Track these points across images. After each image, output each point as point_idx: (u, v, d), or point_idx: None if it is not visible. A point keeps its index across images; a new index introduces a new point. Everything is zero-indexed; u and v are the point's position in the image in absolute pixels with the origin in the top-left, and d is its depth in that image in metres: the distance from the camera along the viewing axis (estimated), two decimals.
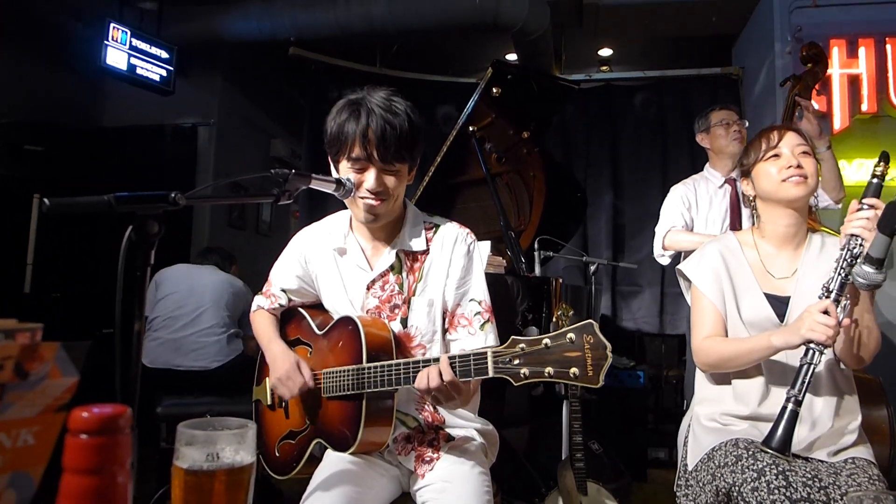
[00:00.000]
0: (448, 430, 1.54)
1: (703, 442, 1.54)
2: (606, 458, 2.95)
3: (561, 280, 2.69)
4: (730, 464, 1.39)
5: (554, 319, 2.23)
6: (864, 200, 1.43)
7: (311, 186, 1.35)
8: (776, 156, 1.61)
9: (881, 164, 1.44)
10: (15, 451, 0.46)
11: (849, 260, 1.41)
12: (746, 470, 1.35)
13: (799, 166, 1.57)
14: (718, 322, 1.59)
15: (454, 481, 1.41)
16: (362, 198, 1.44)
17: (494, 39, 4.84)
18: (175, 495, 0.75)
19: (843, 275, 1.41)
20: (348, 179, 1.43)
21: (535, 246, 3.15)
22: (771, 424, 1.40)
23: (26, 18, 4.64)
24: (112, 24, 4.28)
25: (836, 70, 3.68)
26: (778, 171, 1.59)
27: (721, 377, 1.61)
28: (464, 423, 1.57)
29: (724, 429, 1.54)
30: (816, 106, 2.44)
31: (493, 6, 4.09)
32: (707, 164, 2.95)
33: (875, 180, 1.44)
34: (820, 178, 1.97)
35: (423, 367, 1.30)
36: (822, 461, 1.44)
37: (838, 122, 3.66)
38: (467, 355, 1.22)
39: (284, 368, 1.51)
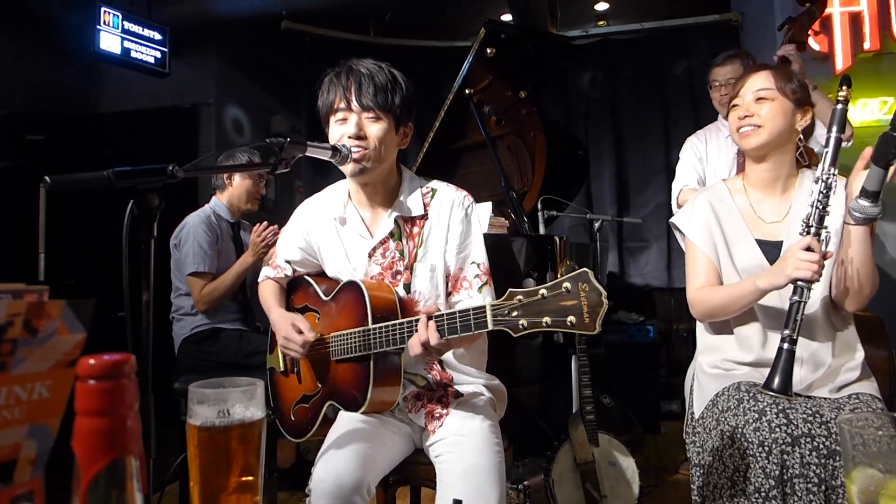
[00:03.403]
0: (456, 386, 1.58)
1: (707, 388, 1.57)
2: (617, 412, 3.00)
3: (565, 238, 2.70)
4: (732, 407, 1.42)
5: (558, 275, 2.25)
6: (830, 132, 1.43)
7: (307, 154, 1.37)
8: (735, 105, 1.60)
9: (843, 88, 1.43)
10: (31, 404, 0.49)
11: (825, 192, 1.41)
12: (748, 411, 1.37)
13: (749, 115, 1.55)
14: (711, 272, 1.60)
15: (465, 434, 1.45)
16: (350, 150, 1.45)
17: (488, 1, 4.76)
18: (190, 452, 0.79)
19: (820, 208, 1.41)
20: (343, 145, 1.45)
21: (539, 206, 3.16)
22: None
23: (19, 9, 4.62)
24: (103, 9, 4.25)
25: (837, 9, 3.61)
26: (734, 122, 1.59)
27: (721, 326, 1.62)
28: (471, 380, 1.61)
29: (726, 374, 1.56)
30: (789, 49, 2.42)
31: None
32: (719, 114, 2.93)
33: (839, 106, 1.43)
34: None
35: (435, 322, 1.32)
36: (824, 398, 1.46)
37: (840, 62, 3.59)
38: (467, 310, 1.25)
39: (283, 332, 1.55)
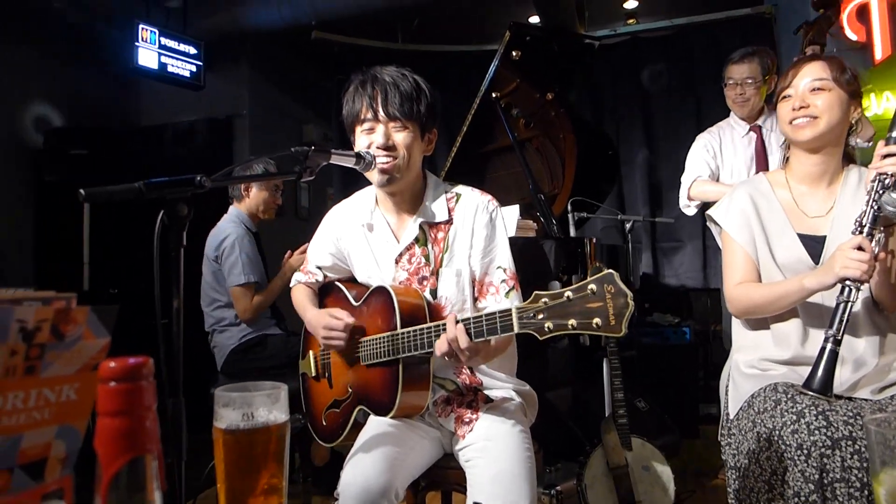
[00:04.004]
0: (486, 391, 1.58)
1: (742, 389, 1.53)
2: (652, 415, 2.95)
3: (595, 240, 2.68)
4: (769, 408, 1.38)
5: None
6: (892, 134, 1.38)
7: (331, 162, 1.40)
8: (787, 96, 1.56)
9: None
10: (60, 406, 0.51)
11: (880, 192, 1.37)
12: (786, 413, 1.33)
13: (804, 106, 1.50)
14: (750, 267, 1.57)
15: (495, 440, 1.44)
16: (375, 158, 1.47)
17: (515, 3, 4.76)
18: (217, 455, 0.81)
19: (875, 208, 1.37)
20: (367, 152, 1.47)
21: (569, 208, 3.14)
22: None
23: (61, 28, 4.81)
24: (141, 25, 4.39)
25: None
26: (786, 113, 1.55)
27: (758, 323, 1.59)
28: (501, 385, 1.61)
29: (763, 374, 1.52)
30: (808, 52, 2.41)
31: None
32: (731, 112, 2.88)
33: None
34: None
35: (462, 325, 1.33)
36: (866, 400, 1.42)
37: (879, 51, 3.48)
38: (493, 313, 1.25)
39: (322, 324, 1.57)
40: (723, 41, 4.52)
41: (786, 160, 1.66)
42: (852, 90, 1.53)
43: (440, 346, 1.32)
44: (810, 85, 1.53)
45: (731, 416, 1.54)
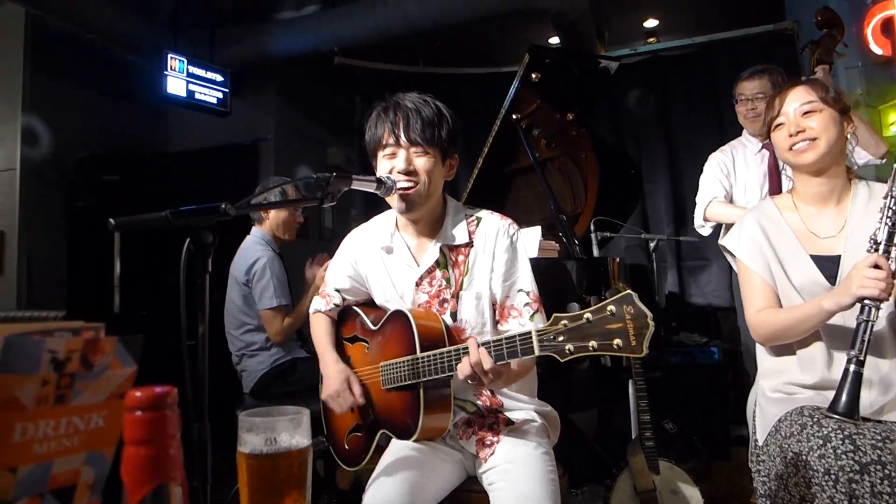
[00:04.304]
0: (507, 413, 1.57)
1: (769, 414, 1.51)
2: (680, 437, 2.90)
3: (618, 260, 2.66)
4: (795, 433, 1.36)
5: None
6: None
7: (352, 187, 1.42)
8: (780, 124, 1.57)
9: None
10: (88, 433, 0.53)
11: (893, 208, 1.35)
12: (812, 437, 1.31)
13: (801, 130, 1.51)
14: (769, 293, 1.55)
15: (517, 462, 1.44)
16: (396, 183, 1.49)
17: (534, 25, 4.81)
18: (241, 479, 0.82)
19: (890, 223, 1.35)
20: (388, 177, 1.49)
21: (592, 227, 3.13)
22: None
23: (94, 59, 4.99)
24: (169, 55, 4.53)
25: None
26: (783, 140, 1.55)
27: (783, 347, 1.56)
28: (522, 406, 1.60)
29: (789, 398, 1.49)
30: (820, 75, 2.41)
31: None
32: (744, 130, 2.87)
33: None
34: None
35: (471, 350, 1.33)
36: (895, 423, 1.38)
37: None
38: (513, 336, 1.25)
39: (335, 387, 1.60)
40: (744, 58, 4.49)
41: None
42: (841, 107, 1.54)
43: (463, 369, 1.32)
44: (800, 109, 1.54)
45: (760, 443, 1.51)
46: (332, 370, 1.66)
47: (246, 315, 2.79)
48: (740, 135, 2.94)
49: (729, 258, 1.72)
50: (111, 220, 1.05)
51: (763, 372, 1.62)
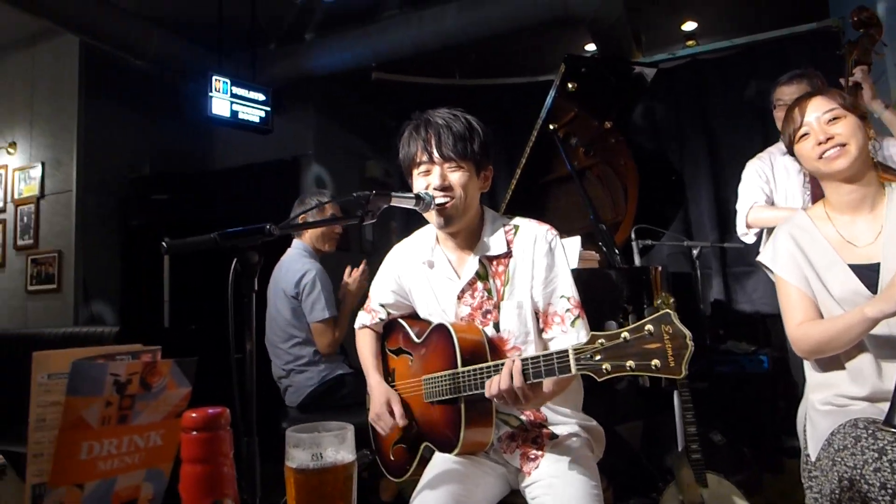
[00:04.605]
0: (551, 427, 1.57)
1: (820, 427, 1.46)
2: (729, 449, 2.83)
3: (660, 268, 2.63)
4: (849, 446, 1.32)
5: (655, 308, 2.20)
6: None
7: (392, 204, 1.45)
8: (805, 134, 1.54)
9: None
10: (148, 451, 0.56)
11: None
12: (866, 451, 1.27)
13: (830, 137, 1.48)
14: (809, 306, 1.51)
15: (561, 477, 1.43)
16: (434, 198, 1.51)
17: (570, 33, 4.80)
18: (289, 493, 0.85)
19: None
20: (426, 193, 1.51)
21: (633, 236, 3.09)
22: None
23: (143, 83, 5.21)
24: (214, 77, 4.69)
25: None
26: (811, 150, 1.52)
27: (830, 360, 1.52)
28: (566, 420, 1.59)
29: (840, 410, 1.45)
30: (859, 76, 2.34)
31: (560, 1, 4.07)
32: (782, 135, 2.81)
33: None
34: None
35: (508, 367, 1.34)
36: None
37: None
38: (550, 354, 1.25)
39: (376, 410, 1.65)
40: (789, 58, 4.39)
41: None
42: (860, 113, 1.52)
43: (490, 387, 1.33)
44: (824, 117, 1.51)
45: (812, 458, 1.47)
46: (374, 393, 1.70)
47: (294, 328, 2.81)
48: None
49: (768, 273, 1.68)
50: (164, 244, 1.09)
51: (812, 385, 1.58)
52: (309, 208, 2.86)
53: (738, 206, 2.75)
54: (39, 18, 4.16)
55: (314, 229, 2.93)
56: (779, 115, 2.75)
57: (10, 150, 5.15)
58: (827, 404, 1.49)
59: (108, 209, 5.05)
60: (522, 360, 1.31)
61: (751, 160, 2.80)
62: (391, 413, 1.61)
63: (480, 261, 1.58)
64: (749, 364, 3.65)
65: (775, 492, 3.08)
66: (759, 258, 1.67)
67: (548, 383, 1.40)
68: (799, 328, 1.51)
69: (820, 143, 1.50)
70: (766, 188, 2.68)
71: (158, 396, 0.56)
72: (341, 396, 2.78)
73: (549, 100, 2.98)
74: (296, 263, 2.84)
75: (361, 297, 2.76)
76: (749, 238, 2.75)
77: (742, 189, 2.74)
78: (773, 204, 2.68)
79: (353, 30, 4.87)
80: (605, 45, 4.67)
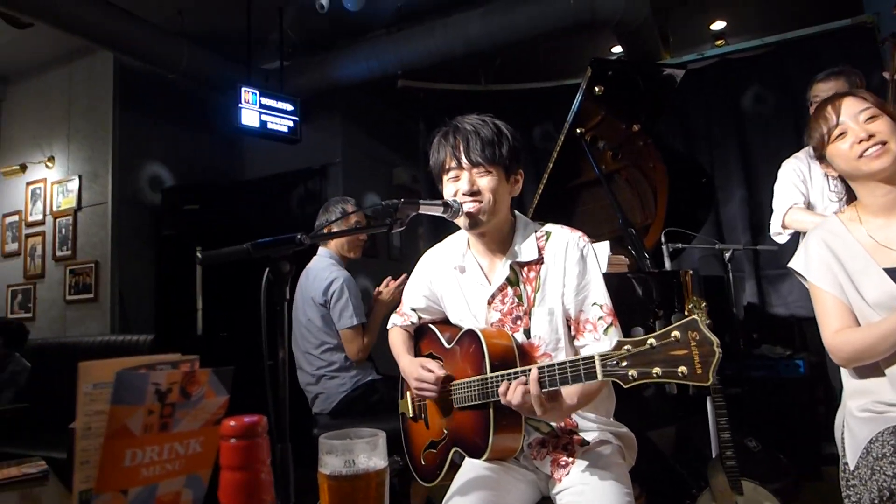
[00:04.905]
0: (582, 434, 1.56)
1: (859, 435, 1.43)
2: (765, 456, 2.77)
3: (691, 272, 2.59)
4: (888, 454, 1.28)
5: (686, 313, 2.17)
6: None
7: (420, 212, 1.46)
8: (842, 133, 1.50)
9: None
10: (188, 458, 0.58)
11: None
12: None
13: (872, 135, 1.44)
14: (844, 313, 1.48)
15: (592, 484, 1.42)
16: (462, 205, 1.53)
17: (596, 35, 4.77)
18: (322, 499, 0.86)
19: None
20: (454, 200, 1.52)
21: (663, 239, 3.06)
22: None
23: (174, 97, 5.35)
24: (243, 88, 4.78)
25: None
26: (850, 149, 1.48)
27: (868, 369, 1.48)
28: (597, 427, 1.58)
29: (879, 417, 1.41)
30: None
31: (587, 5, 4.06)
32: None
33: None
34: None
35: (521, 378, 1.34)
36: None
37: None
38: (576, 360, 1.25)
39: (414, 375, 1.63)
40: (822, 56, 4.30)
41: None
42: (890, 113, 1.48)
43: (502, 392, 1.33)
44: (861, 116, 1.47)
45: (851, 467, 1.44)
46: (407, 364, 1.71)
47: (326, 334, 2.83)
48: None
49: (801, 280, 1.65)
50: (199, 255, 1.13)
51: (849, 392, 1.54)
52: (336, 218, 2.89)
53: (774, 205, 2.70)
54: (76, 37, 4.29)
55: (339, 239, 2.96)
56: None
57: (49, 164, 5.33)
58: (865, 411, 1.45)
59: (141, 220, 5.18)
60: (548, 366, 1.30)
61: (787, 159, 2.76)
62: (428, 370, 1.60)
63: (511, 266, 1.59)
64: (785, 369, 3.58)
65: (813, 500, 3.01)
66: (790, 264, 1.63)
67: (572, 393, 1.39)
68: (836, 336, 1.48)
69: (861, 142, 1.46)
70: (803, 188, 2.63)
71: (197, 405, 0.58)
72: (373, 402, 2.80)
73: (575, 104, 2.98)
74: (324, 271, 2.87)
75: (392, 306, 2.79)
76: (782, 238, 2.71)
77: (778, 188, 2.70)
78: (809, 204, 2.63)
79: (378, 38, 4.93)
80: (631, 47, 4.64)
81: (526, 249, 1.59)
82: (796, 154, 2.75)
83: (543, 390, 1.29)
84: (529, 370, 1.33)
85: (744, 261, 4.35)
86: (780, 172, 2.73)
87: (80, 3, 4.04)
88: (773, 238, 2.74)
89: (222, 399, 0.60)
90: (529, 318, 1.56)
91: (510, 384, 1.33)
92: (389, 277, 2.97)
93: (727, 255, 3.19)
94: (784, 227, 2.64)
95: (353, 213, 2.88)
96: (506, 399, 1.33)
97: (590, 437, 1.55)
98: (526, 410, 1.33)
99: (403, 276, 2.81)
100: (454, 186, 1.56)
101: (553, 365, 1.30)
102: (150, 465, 0.55)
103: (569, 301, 1.54)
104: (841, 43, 4.27)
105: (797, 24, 4.48)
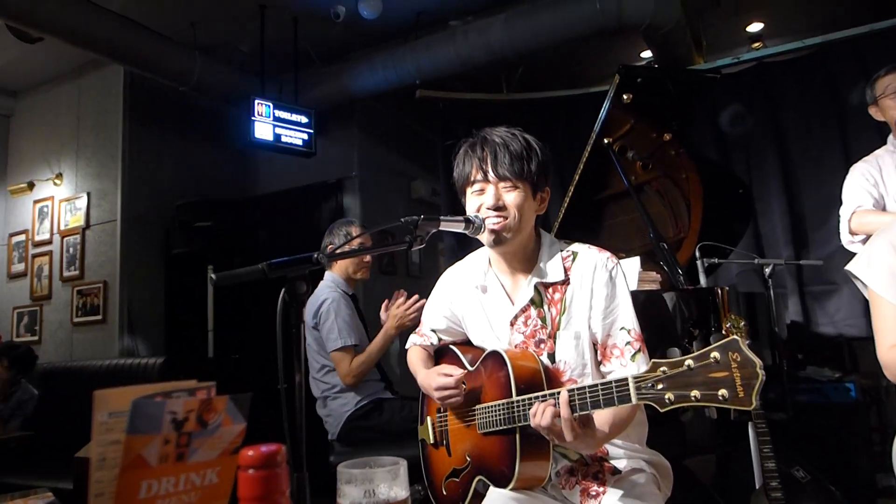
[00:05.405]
0: (613, 461, 1.55)
1: None
2: (815, 487, 2.71)
3: (728, 289, 2.57)
4: None
5: (723, 332, 2.15)
6: None
7: (441, 228, 1.48)
8: None
9: None
10: (204, 489, 0.59)
11: None
12: None
13: None
14: None
15: None
16: (485, 219, 1.53)
17: (624, 39, 4.78)
18: None
19: None
20: (476, 216, 1.53)
21: (697, 254, 3.04)
22: None
23: (187, 111, 5.47)
24: (256, 101, 4.87)
25: None
26: None
27: None
28: (629, 455, 1.57)
29: None
30: None
31: (614, 9, 4.07)
32: (890, 136, 2.70)
33: None
34: None
35: (549, 401, 1.33)
36: None
37: None
38: (608, 383, 1.24)
39: (433, 385, 1.63)
40: (867, 58, 4.24)
41: None
42: None
43: (532, 414, 1.32)
44: None
45: None
46: (424, 377, 1.71)
47: (323, 357, 2.91)
48: (867, 141, 2.78)
49: (859, 286, 1.62)
50: (212, 276, 1.15)
51: None
52: (340, 242, 2.94)
53: (840, 212, 2.63)
54: (86, 50, 4.41)
55: (343, 261, 3.03)
56: (888, 103, 2.63)
57: (57, 181, 5.45)
58: None
59: (151, 238, 5.27)
60: (578, 388, 1.30)
61: (856, 163, 2.70)
62: (446, 375, 1.60)
63: (536, 287, 1.59)
64: (834, 393, 3.50)
65: None
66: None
67: (603, 421, 1.38)
68: (891, 351, 1.45)
69: None
70: (875, 192, 2.56)
71: (214, 433, 0.59)
72: (382, 423, 2.82)
73: (603, 112, 2.98)
74: (317, 294, 2.95)
75: (402, 328, 2.81)
76: (855, 247, 2.61)
77: (846, 193, 2.63)
78: (884, 209, 2.56)
79: (395, 46, 4.99)
80: (662, 52, 4.63)
81: (551, 269, 1.59)
82: (865, 158, 2.68)
83: (575, 415, 1.28)
84: (559, 393, 1.32)
85: (786, 276, 4.28)
86: (848, 177, 2.66)
87: (91, 16, 4.15)
88: (847, 247, 2.65)
89: (240, 427, 0.61)
90: (554, 342, 1.55)
91: (539, 405, 1.32)
92: (400, 291, 2.98)
93: (767, 270, 3.15)
94: (852, 232, 2.57)
95: (358, 236, 2.92)
96: (535, 421, 1.32)
97: (621, 464, 1.54)
98: (555, 436, 1.32)
99: (416, 296, 2.82)
100: (478, 200, 1.57)
101: (584, 387, 1.29)
102: (165, 496, 0.57)
103: (596, 325, 1.54)
104: (889, 44, 4.22)
105: (841, 25, 4.43)
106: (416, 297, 2.83)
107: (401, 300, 2.85)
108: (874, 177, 2.58)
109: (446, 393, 1.60)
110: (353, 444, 2.81)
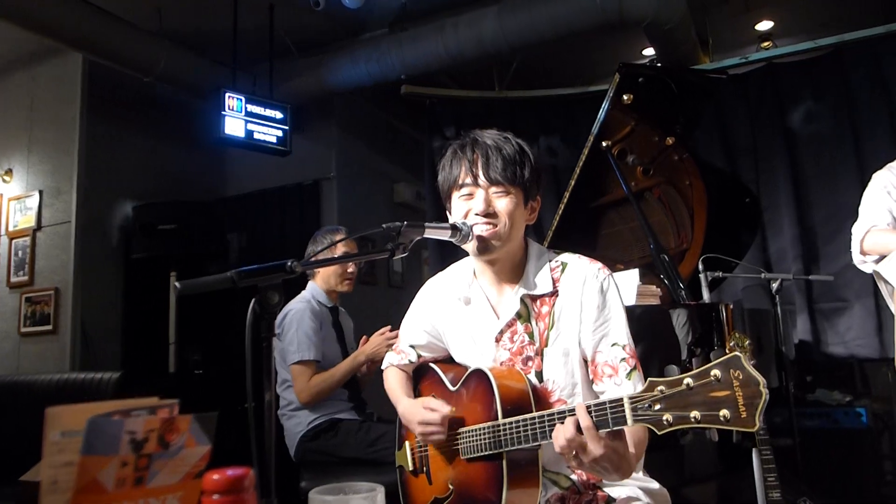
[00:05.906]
0: (606, 489, 1.56)
1: None
2: None
3: (732, 305, 2.60)
4: None
5: (727, 351, 2.18)
6: None
7: (425, 236, 1.49)
8: None
9: None
10: None
11: None
12: None
13: None
14: None
15: None
16: (472, 226, 1.54)
17: (625, 36, 4.83)
18: None
19: None
20: (463, 223, 1.54)
21: (701, 267, 3.07)
22: None
23: (152, 104, 5.44)
24: (227, 94, 4.86)
25: None
26: None
27: None
28: (624, 482, 1.58)
29: None
30: None
31: (615, 2, 4.11)
32: None
33: None
34: None
35: (568, 416, 1.31)
36: None
37: None
38: (602, 403, 1.25)
39: (418, 418, 1.62)
40: (883, 60, 4.31)
41: None
42: None
43: (559, 436, 1.27)
44: None
45: None
46: (406, 408, 1.70)
47: (285, 370, 2.92)
48: (883, 150, 2.80)
49: (884, 289, 1.63)
50: (175, 284, 1.15)
51: None
52: (322, 248, 2.95)
53: (853, 229, 2.64)
54: (41, 36, 4.38)
55: (324, 271, 3.04)
56: None
57: (6, 177, 5.39)
58: None
59: (110, 241, 5.23)
60: (569, 409, 1.30)
61: (877, 171, 2.70)
62: (432, 409, 1.59)
63: (522, 300, 1.60)
64: (844, 418, 3.55)
65: None
66: (878, 266, 1.61)
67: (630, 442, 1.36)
68: None
69: None
70: (895, 206, 2.56)
71: (176, 455, 0.59)
72: (335, 445, 2.81)
73: (601, 113, 3.01)
74: (289, 304, 2.96)
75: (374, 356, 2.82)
76: (866, 267, 2.60)
77: (863, 207, 2.62)
78: None
79: (380, 38, 5.01)
80: (665, 50, 4.69)
81: (539, 281, 1.60)
82: (889, 164, 2.68)
83: (601, 431, 1.24)
84: (551, 415, 1.33)
85: (794, 292, 4.32)
86: (868, 189, 2.65)
87: None
88: (858, 266, 2.65)
89: (204, 449, 0.62)
90: (542, 360, 1.56)
91: (559, 424, 1.28)
92: (388, 327, 2.99)
93: (775, 285, 3.19)
94: (864, 253, 2.57)
95: (341, 241, 2.92)
96: (558, 440, 1.27)
97: (616, 492, 1.55)
98: (581, 451, 1.25)
99: (388, 328, 2.84)
100: (466, 205, 1.57)
101: (573, 409, 1.29)
102: None
103: (585, 340, 1.55)
104: None
105: (856, 24, 4.50)
106: (388, 328, 2.85)
107: (387, 329, 2.86)
108: (894, 186, 2.59)
109: (430, 429, 1.59)
110: (309, 470, 2.80)
